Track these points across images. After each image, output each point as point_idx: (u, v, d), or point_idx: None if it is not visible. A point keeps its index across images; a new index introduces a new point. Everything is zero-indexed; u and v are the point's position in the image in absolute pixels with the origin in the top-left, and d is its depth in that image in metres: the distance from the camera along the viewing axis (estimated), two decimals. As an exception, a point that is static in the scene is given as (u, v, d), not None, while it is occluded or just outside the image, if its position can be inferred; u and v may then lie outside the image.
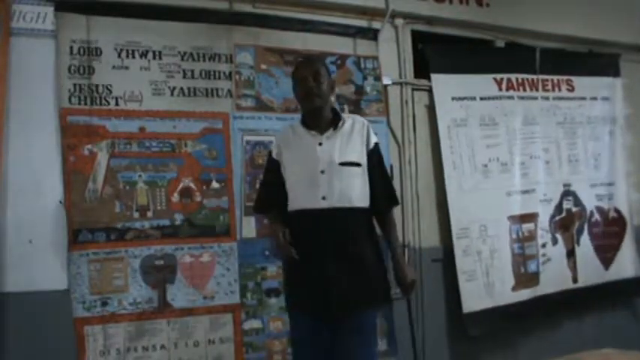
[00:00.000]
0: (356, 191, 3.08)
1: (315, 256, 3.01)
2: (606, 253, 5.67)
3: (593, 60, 5.86)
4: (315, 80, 3.09)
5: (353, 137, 3.15)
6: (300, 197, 3.08)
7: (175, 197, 3.93)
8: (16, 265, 3.56)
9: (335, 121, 3.15)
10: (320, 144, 3.09)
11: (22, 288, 3.55)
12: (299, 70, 3.17)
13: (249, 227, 4.12)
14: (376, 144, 3.21)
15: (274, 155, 3.21)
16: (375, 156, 3.19)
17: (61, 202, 3.67)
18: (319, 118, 3.14)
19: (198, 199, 3.98)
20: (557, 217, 5.42)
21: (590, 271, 5.52)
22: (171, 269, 3.88)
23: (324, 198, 3.01)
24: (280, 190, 3.15)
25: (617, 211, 5.77)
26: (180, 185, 3.95)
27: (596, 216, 5.65)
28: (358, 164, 3.10)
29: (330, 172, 3.03)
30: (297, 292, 3.15)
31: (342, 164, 3.05)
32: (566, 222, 5.47)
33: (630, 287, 5.75)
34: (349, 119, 3.21)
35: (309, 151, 3.09)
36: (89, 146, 3.76)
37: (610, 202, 5.74)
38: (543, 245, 5.29)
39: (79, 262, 3.67)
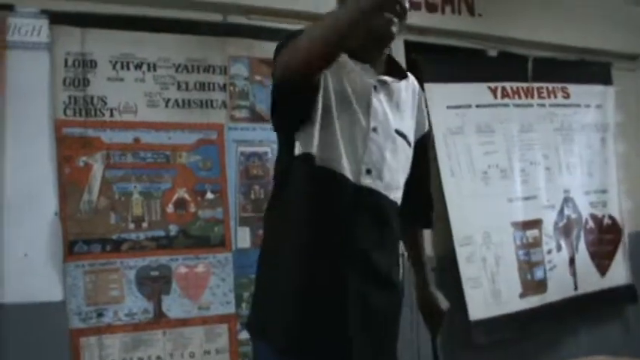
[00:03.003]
0: (403, 179, 2.15)
1: (346, 270, 1.99)
2: (602, 260, 5.68)
3: (585, 68, 5.88)
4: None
5: (406, 103, 2.19)
6: (335, 152, 1.97)
7: (170, 208, 3.94)
8: (12, 277, 3.55)
9: (394, 67, 2.20)
10: (375, 88, 2.07)
11: (18, 300, 3.54)
12: None
13: (244, 238, 4.12)
14: (430, 129, 2.37)
15: None
16: (428, 148, 2.38)
17: (56, 213, 3.68)
18: (380, 53, 2.13)
19: (193, 209, 3.98)
20: (560, 224, 5.45)
21: (587, 278, 5.54)
22: (166, 280, 3.88)
23: (368, 172, 2.00)
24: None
25: (611, 218, 5.80)
26: (175, 196, 3.96)
27: (591, 223, 5.67)
28: (409, 142, 2.18)
29: (384, 137, 2.05)
30: (304, 319, 2.00)
31: (398, 133, 2.10)
32: (568, 228, 5.50)
33: (623, 294, 5.76)
34: (409, 75, 2.25)
35: (362, 91, 2.04)
36: (84, 158, 3.77)
37: (604, 210, 5.76)
38: (549, 252, 5.31)
39: (74, 274, 3.67)
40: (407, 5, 2.04)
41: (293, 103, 1.93)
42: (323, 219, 1.98)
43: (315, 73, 1.88)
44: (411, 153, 2.19)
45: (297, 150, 1.99)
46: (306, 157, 1.97)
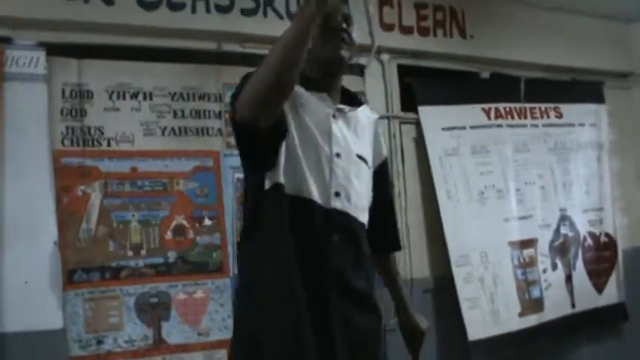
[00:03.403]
0: (367, 203, 2.22)
1: (327, 293, 2.03)
2: (599, 277, 5.70)
3: (577, 88, 5.95)
4: (346, 24, 2.15)
5: (364, 130, 2.27)
6: (304, 180, 2.04)
7: (168, 235, 3.97)
8: (12, 306, 3.58)
9: (349, 97, 2.29)
10: (334, 117, 2.15)
11: (19, 328, 3.56)
12: None
13: (242, 263, 4.14)
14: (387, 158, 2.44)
15: None
16: (387, 173, 2.44)
17: (55, 242, 3.70)
18: (335, 81, 2.21)
19: (191, 236, 4.02)
20: (556, 243, 5.47)
21: (585, 296, 5.55)
22: (165, 306, 3.90)
23: (337, 194, 2.07)
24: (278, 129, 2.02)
25: (607, 235, 5.83)
26: (173, 223, 3.99)
27: (589, 241, 5.70)
28: (369, 166, 2.25)
29: (347, 161, 2.12)
30: (295, 348, 1.99)
31: (359, 157, 2.18)
32: (564, 247, 5.52)
33: (619, 312, 5.77)
34: (364, 105, 2.34)
35: (320, 119, 2.12)
36: (82, 187, 3.81)
37: (600, 227, 5.79)
38: (544, 271, 5.33)
39: (74, 302, 3.70)
40: (353, 31, 2.15)
41: (261, 142, 1.98)
42: (299, 245, 2.00)
43: (277, 100, 1.92)
44: (371, 178, 2.26)
45: (267, 184, 2.04)
46: (276, 188, 2.02)
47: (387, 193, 2.47)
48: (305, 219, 2.02)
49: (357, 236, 2.14)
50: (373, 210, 2.26)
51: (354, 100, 2.30)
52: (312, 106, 2.12)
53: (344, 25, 2.12)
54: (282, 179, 2.02)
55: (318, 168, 2.06)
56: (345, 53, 2.13)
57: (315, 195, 2.04)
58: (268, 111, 1.91)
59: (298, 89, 2.08)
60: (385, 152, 2.40)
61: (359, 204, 2.14)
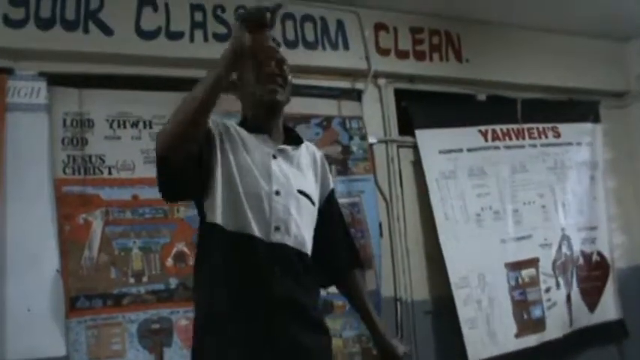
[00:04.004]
0: (309, 235, 2.29)
1: (270, 315, 2.10)
2: (591, 296, 5.69)
3: (573, 107, 5.99)
4: (279, 66, 2.27)
5: (308, 166, 2.37)
6: (245, 217, 2.13)
7: (169, 262, 4.00)
8: (15, 334, 3.61)
9: (291, 136, 2.38)
10: (274, 157, 2.24)
11: (22, 356, 3.59)
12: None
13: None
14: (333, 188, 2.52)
15: (211, 124, 2.19)
16: (336, 203, 2.52)
17: (58, 270, 3.74)
18: (273, 122, 2.31)
19: (192, 262, 4.00)
20: (559, 262, 5.49)
21: (579, 315, 5.56)
22: (167, 332, 3.92)
23: (277, 229, 2.15)
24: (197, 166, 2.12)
25: (599, 254, 5.82)
26: (174, 250, 4.03)
27: (581, 260, 5.70)
28: (313, 201, 2.32)
29: (287, 197, 2.20)
30: None
31: (301, 193, 2.26)
32: (565, 266, 5.54)
33: (613, 330, 5.77)
34: (305, 142, 2.43)
35: (260, 159, 2.21)
36: (84, 215, 3.85)
37: (592, 246, 5.80)
38: (547, 290, 5.35)
39: (77, 329, 3.73)
40: (287, 73, 2.28)
41: (175, 175, 2.08)
42: (241, 278, 2.11)
43: (189, 136, 2.03)
44: (316, 211, 2.34)
45: (207, 218, 2.17)
46: (213, 226, 2.14)
47: (339, 219, 2.53)
48: (247, 253, 2.12)
49: (298, 265, 2.20)
50: (328, 236, 2.39)
51: (295, 138, 2.39)
52: (252, 147, 2.23)
53: (277, 70, 2.25)
54: (219, 218, 2.13)
55: (259, 205, 2.15)
56: (280, 97, 2.26)
57: (256, 230, 2.13)
58: (177, 152, 2.02)
59: (240, 130, 2.24)
60: (332, 184, 2.49)
61: (299, 235, 2.22)
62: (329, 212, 2.43)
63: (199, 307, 2.22)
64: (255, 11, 2.04)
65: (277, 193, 2.19)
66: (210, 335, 2.13)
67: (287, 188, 2.22)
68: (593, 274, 5.76)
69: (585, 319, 5.61)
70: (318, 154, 2.46)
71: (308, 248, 2.27)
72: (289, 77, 2.30)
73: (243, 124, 2.29)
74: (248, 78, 2.27)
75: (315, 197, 2.35)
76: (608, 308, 5.77)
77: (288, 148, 2.31)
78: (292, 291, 2.15)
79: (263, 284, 2.10)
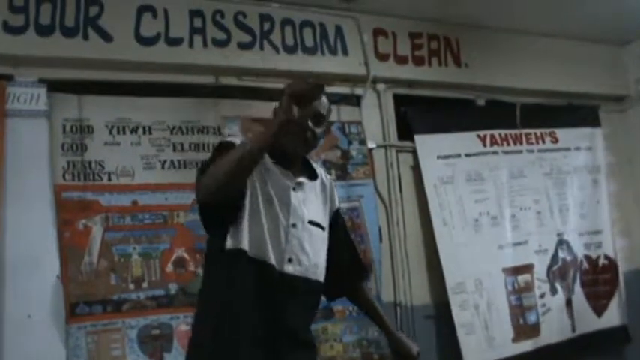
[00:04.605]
0: (322, 259, 2.48)
1: (271, 342, 2.28)
2: (598, 300, 5.68)
3: (573, 112, 5.98)
4: (319, 125, 2.44)
5: (319, 193, 2.55)
6: (263, 245, 2.30)
7: (169, 267, 4.01)
8: (15, 340, 3.61)
9: (308, 169, 2.56)
10: (294, 189, 2.41)
11: (22, 362, 3.59)
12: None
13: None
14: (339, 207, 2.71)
15: None
16: (341, 219, 2.71)
17: (58, 276, 3.74)
18: (296, 161, 2.49)
19: (192, 268, 4.04)
20: (555, 267, 5.47)
21: (584, 320, 5.53)
22: (167, 338, 3.92)
23: (290, 260, 2.33)
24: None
25: (607, 257, 5.81)
26: (174, 255, 4.03)
27: (585, 264, 5.69)
28: (323, 227, 2.51)
29: (302, 230, 2.38)
30: None
31: (311, 223, 2.43)
32: (563, 271, 5.52)
33: (621, 334, 5.75)
34: (319, 170, 2.62)
35: (283, 193, 2.38)
36: (84, 221, 3.86)
37: (599, 250, 5.79)
38: (542, 295, 5.32)
39: (77, 335, 3.73)
40: (317, 131, 2.43)
41: (219, 216, 2.29)
42: (257, 300, 2.29)
43: (229, 192, 2.21)
44: (327, 235, 2.53)
45: (229, 244, 2.31)
46: (239, 251, 2.29)
47: (345, 235, 2.74)
48: (264, 278, 2.29)
49: (304, 291, 2.38)
50: (337, 252, 2.58)
51: (312, 170, 2.57)
52: (275, 178, 2.40)
53: (310, 126, 2.39)
54: (245, 244, 2.30)
55: (276, 236, 2.34)
56: (301, 150, 2.46)
57: (272, 259, 2.31)
58: (220, 198, 2.21)
59: (267, 160, 2.38)
60: (337, 204, 2.66)
61: (310, 265, 2.40)
62: (338, 229, 2.65)
63: (205, 323, 2.36)
64: (307, 87, 2.15)
65: (294, 225, 2.37)
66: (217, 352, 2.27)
67: (302, 221, 2.40)
68: (600, 277, 5.74)
69: (592, 323, 5.59)
70: (328, 180, 2.64)
71: (319, 274, 2.47)
72: (320, 133, 2.46)
73: (273, 155, 2.40)
74: (293, 126, 2.29)
75: (326, 222, 2.55)
76: (615, 312, 5.76)
77: (305, 181, 2.49)
78: (298, 318, 2.37)
79: (275, 310, 2.29)
